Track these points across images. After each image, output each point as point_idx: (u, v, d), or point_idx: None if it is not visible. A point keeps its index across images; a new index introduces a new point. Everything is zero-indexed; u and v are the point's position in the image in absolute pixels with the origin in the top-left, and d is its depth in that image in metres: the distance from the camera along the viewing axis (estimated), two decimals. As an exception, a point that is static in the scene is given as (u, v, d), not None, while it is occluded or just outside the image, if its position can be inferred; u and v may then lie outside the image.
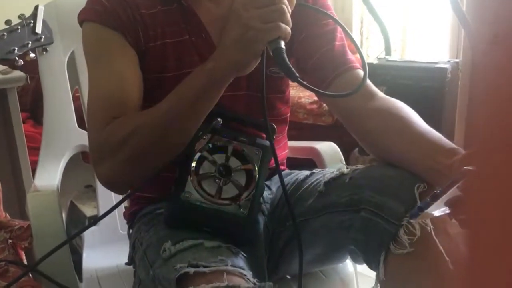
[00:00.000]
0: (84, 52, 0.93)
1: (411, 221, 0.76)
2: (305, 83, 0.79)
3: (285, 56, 0.77)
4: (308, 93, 2.56)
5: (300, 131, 2.33)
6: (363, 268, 0.98)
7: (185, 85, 0.83)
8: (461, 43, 2.41)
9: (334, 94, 0.90)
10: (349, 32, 0.92)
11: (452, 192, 0.66)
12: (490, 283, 0.29)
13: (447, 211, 0.71)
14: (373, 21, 2.49)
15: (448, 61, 2.15)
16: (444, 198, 0.67)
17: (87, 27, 0.92)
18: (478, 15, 0.29)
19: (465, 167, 0.65)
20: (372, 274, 0.86)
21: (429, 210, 0.69)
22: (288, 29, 0.78)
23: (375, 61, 2.26)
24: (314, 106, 2.48)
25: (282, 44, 0.77)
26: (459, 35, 2.44)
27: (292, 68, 0.77)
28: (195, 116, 0.84)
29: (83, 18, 0.92)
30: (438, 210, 0.71)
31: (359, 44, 2.91)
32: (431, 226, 0.76)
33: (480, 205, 0.30)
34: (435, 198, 0.66)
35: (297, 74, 0.77)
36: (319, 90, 0.83)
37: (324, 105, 2.45)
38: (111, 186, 0.90)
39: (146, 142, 0.83)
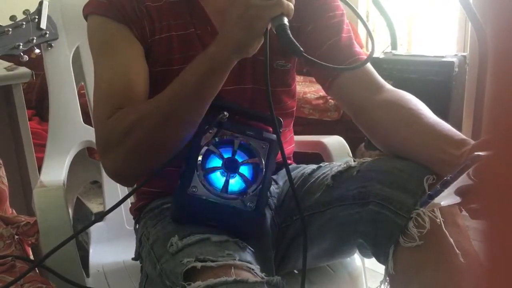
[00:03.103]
0: (90, 45, 0.93)
1: (421, 209, 0.75)
2: (310, 57, 0.77)
3: (289, 31, 0.75)
4: (313, 88, 2.55)
5: (306, 126, 2.33)
6: (371, 262, 0.97)
7: (188, 71, 0.82)
8: (468, 37, 2.39)
9: (340, 67, 0.90)
10: (357, 11, 0.90)
11: (462, 181, 0.65)
12: (508, 275, 0.28)
13: (457, 201, 0.70)
14: (379, 15, 2.47)
15: (455, 55, 2.14)
16: (454, 186, 0.66)
17: (92, 20, 0.91)
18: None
19: (475, 153, 0.64)
20: (380, 269, 0.85)
21: (439, 199, 0.67)
22: (291, 5, 0.76)
23: (382, 56, 2.24)
24: (320, 101, 2.47)
25: (285, 20, 0.76)
26: (466, 29, 2.43)
27: (296, 43, 0.75)
28: (199, 103, 0.82)
29: (88, 11, 0.92)
30: (448, 200, 0.69)
31: (364, 38, 2.90)
32: (441, 219, 0.75)
33: (495, 191, 0.29)
34: (445, 185, 0.65)
35: (302, 49, 0.75)
36: (324, 63, 0.80)
37: (330, 100, 2.44)
38: (118, 177, 0.90)
39: (150, 131, 0.82)
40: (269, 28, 0.77)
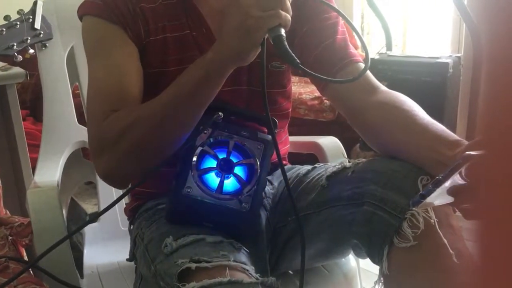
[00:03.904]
0: (84, 46, 0.93)
1: (414, 209, 0.75)
2: (306, 69, 0.77)
3: (286, 43, 0.76)
4: (309, 89, 2.55)
5: (301, 127, 2.33)
6: (365, 263, 0.97)
7: (185, 76, 0.82)
8: (463, 38, 2.40)
9: (335, 80, 0.90)
10: (349, 20, 0.90)
11: (455, 181, 0.65)
12: (503, 274, 0.28)
13: (450, 200, 0.70)
14: (374, 16, 2.48)
15: (450, 56, 2.14)
16: (447, 186, 0.66)
17: (87, 21, 0.91)
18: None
19: (467, 152, 0.64)
20: (375, 269, 0.85)
21: (431, 199, 0.67)
22: (288, 16, 0.77)
23: (376, 56, 2.25)
24: (315, 102, 2.48)
25: (283, 31, 0.76)
26: (461, 30, 2.43)
27: (293, 54, 0.75)
28: (194, 108, 0.83)
29: (83, 12, 0.91)
30: (441, 200, 0.70)
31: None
32: (435, 219, 0.76)
33: (488, 191, 0.29)
34: (437, 184, 0.65)
35: (298, 61, 0.76)
36: (320, 75, 0.81)
37: (325, 101, 2.45)
38: (110, 179, 0.89)
39: (145, 134, 0.82)
40: (266, 37, 0.77)
